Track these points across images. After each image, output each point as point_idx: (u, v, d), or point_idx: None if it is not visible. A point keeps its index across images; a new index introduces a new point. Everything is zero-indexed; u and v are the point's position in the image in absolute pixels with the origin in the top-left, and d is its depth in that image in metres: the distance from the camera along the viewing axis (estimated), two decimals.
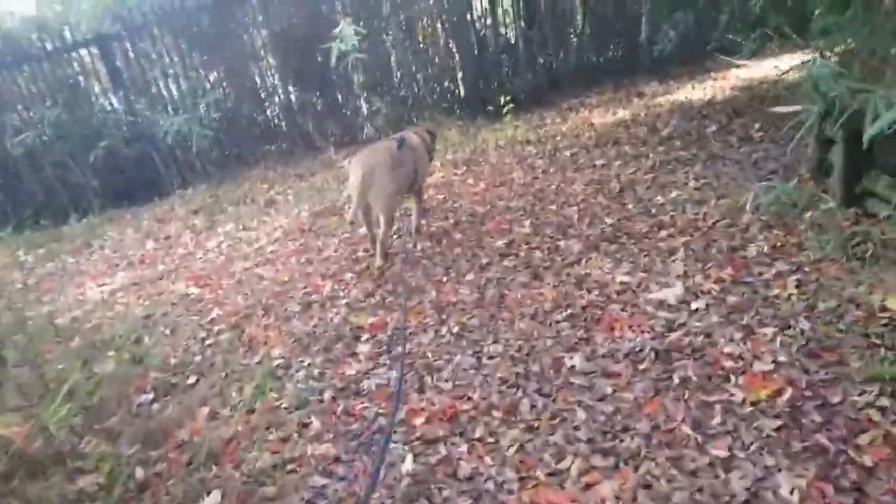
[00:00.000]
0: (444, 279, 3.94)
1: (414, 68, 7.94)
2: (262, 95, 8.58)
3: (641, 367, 2.63)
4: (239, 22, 8.10)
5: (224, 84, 8.50)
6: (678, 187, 4.56)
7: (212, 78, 8.49)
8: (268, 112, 8.65)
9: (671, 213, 4.14)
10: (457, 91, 8.04)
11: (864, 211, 3.38)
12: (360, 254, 4.68)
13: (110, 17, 7.94)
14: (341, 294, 4.09)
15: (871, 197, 3.37)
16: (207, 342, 3.89)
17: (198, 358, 3.70)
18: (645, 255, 3.64)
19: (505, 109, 7.27)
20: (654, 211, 4.26)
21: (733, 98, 6.86)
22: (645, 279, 3.35)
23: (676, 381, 2.49)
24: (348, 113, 8.25)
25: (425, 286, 3.90)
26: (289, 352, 3.49)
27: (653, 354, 2.67)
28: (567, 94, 8.37)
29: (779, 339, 2.57)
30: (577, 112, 7.57)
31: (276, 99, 8.62)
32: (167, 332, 4.17)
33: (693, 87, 7.77)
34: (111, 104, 8.09)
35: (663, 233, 3.87)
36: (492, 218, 4.77)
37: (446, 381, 2.86)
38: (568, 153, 6.01)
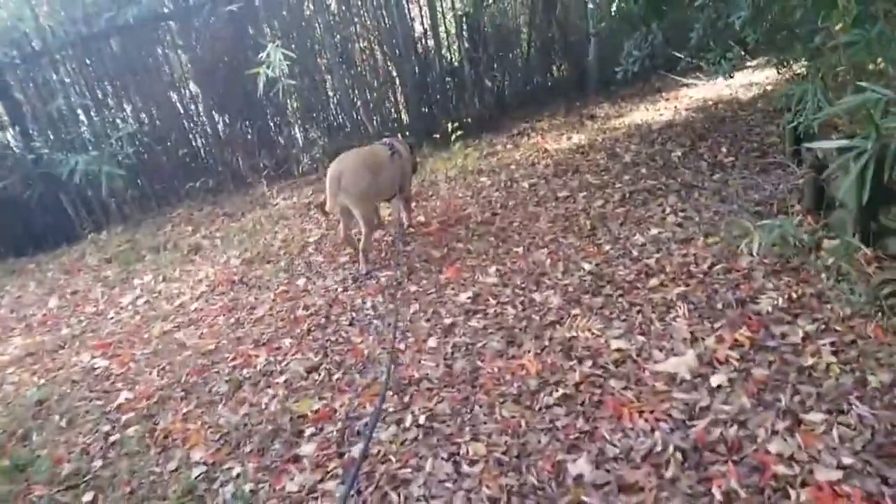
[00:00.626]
0: (403, 346, 3.32)
1: (352, 94, 7.33)
2: (185, 127, 7.78)
3: (667, 474, 2.06)
4: (155, 47, 7.32)
5: (141, 116, 7.67)
6: (656, 223, 4.09)
7: (128, 109, 7.64)
8: (192, 145, 7.85)
9: (656, 256, 3.64)
10: (400, 118, 7.46)
11: (885, 252, 2.95)
12: (301, 311, 4.01)
13: (5, 43, 7.03)
14: (278, 368, 3.41)
15: (892, 236, 2.94)
16: (112, 438, 3.14)
17: (97, 463, 2.95)
18: (637, 311, 3.11)
19: (453, 136, 6.73)
20: (635, 253, 3.76)
21: (692, 120, 6.52)
22: (644, 344, 2.82)
23: (719, 497, 1.93)
24: (282, 143, 7.56)
25: (380, 356, 3.27)
26: (213, 454, 2.79)
27: (679, 455, 2.11)
28: (516, 118, 7.92)
29: (835, 430, 2.05)
30: (529, 137, 7.11)
31: (201, 131, 7.83)
32: (63, 423, 3.40)
33: (647, 109, 7.44)
34: (7, 141, 7.15)
35: (653, 281, 3.36)
36: (450, 264, 4.18)
37: (417, 500, 2.22)
38: (526, 184, 5.50)
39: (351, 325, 3.70)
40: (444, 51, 7.32)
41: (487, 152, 6.80)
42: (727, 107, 6.89)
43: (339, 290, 4.19)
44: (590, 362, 2.77)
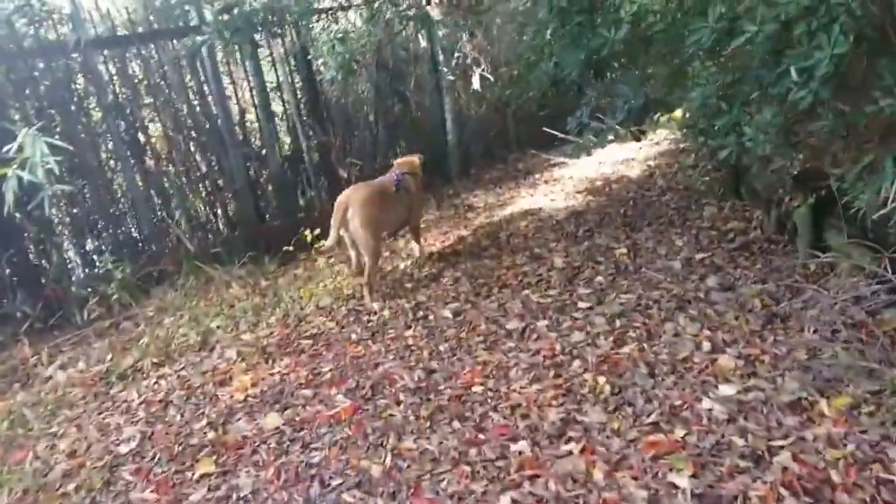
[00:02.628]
0: None
1: (154, 200, 5.25)
2: None
3: None
4: None
5: None
6: (721, 401, 2.70)
7: None
8: None
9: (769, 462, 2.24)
10: (228, 227, 5.50)
11: None
12: None
13: None
14: None
15: None
16: None
17: None
18: None
19: (314, 246, 4.97)
20: (720, 438, 2.33)
21: (598, 205, 5.49)
22: None
23: None
24: (49, 274, 5.15)
25: None
26: None
27: None
28: None
29: None
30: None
31: None
32: None
33: (530, 195, 6.31)
34: None
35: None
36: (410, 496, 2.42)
37: None
38: (446, 312, 3.91)
39: None
40: (282, 136, 5.56)
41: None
42: (624, 187, 5.99)
43: None
44: None
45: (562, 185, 6.48)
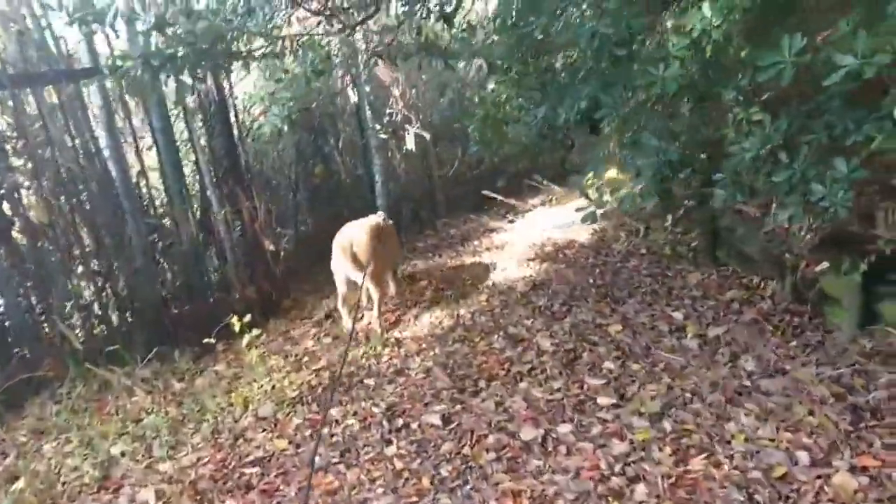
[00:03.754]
0: None
1: (22, 291, 4.07)
2: None
3: None
4: None
5: None
6: (809, 489, 2.11)
7: None
8: None
9: None
10: (125, 316, 4.38)
11: None
12: None
13: None
14: None
15: None
16: None
17: None
18: None
19: (245, 337, 4.01)
20: None
21: (559, 274, 4.91)
22: None
23: None
24: None
25: None
26: None
27: None
28: (305, 291, 5.45)
29: None
30: (341, 323, 4.73)
31: None
32: None
33: (490, 266, 5.67)
34: None
35: None
36: None
37: None
38: (431, 418, 3.12)
39: None
40: (190, 206, 4.56)
41: (297, 356, 4.20)
42: (578, 253, 5.52)
43: None
44: None
45: (508, 253, 5.90)
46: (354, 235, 4.32)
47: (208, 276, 4.60)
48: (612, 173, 7.82)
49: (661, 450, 2.55)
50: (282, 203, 5.50)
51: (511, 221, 7.14)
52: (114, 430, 3.43)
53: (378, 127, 5.82)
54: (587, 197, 3.34)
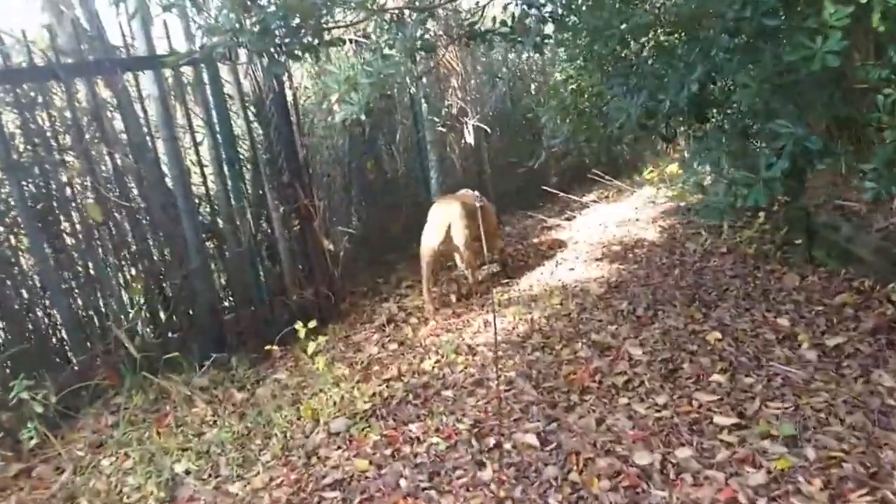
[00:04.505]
0: None
1: (73, 295, 3.84)
2: None
3: None
4: None
5: None
6: None
7: None
8: None
9: None
10: (181, 321, 4.14)
11: None
12: None
13: None
14: None
15: None
16: None
17: None
18: None
19: (311, 345, 3.76)
20: None
21: (626, 274, 4.57)
22: None
23: None
24: None
25: None
26: None
27: None
28: (362, 294, 5.19)
29: None
30: (405, 325, 4.46)
31: None
32: None
33: (541, 264, 5.35)
34: None
35: None
36: None
37: None
38: (527, 437, 2.82)
39: None
40: (251, 205, 4.29)
41: (364, 365, 3.92)
42: (650, 252, 5.17)
43: None
44: None
45: (573, 252, 5.57)
46: (450, 211, 4.54)
47: (265, 278, 4.34)
48: (673, 167, 7.49)
49: (809, 482, 2.21)
50: (335, 200, 5.22)
51: (568, 219, 6.81)
52: (175, 444, 3.18)
53: (436, 119, 5.53)
54: (696, 189, 2.99)
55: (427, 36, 2.96)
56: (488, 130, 5.85)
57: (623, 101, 3.18)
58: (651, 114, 3.05)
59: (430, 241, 4.53)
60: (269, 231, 4.34)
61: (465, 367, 3.64)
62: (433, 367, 3.69)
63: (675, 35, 3.21)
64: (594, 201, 7.48)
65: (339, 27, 2.91)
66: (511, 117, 7.35)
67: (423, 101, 5.67)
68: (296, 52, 2.61)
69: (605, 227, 6.16)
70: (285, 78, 4.21)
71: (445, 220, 4.50)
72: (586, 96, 4.29)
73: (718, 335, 3.43)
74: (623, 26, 2.93)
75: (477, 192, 4.89)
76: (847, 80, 2.45)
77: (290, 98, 4.31)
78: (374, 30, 2.90)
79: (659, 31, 3.26)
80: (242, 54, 3.86)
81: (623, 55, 3.74)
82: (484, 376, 3.48)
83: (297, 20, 2.43)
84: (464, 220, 4.50)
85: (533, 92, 7.33)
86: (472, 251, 4.61)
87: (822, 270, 4.00)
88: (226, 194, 4.15)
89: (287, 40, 2.51)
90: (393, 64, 2.79)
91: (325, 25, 2.66)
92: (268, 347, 3.94)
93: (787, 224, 4.37)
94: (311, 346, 3.75)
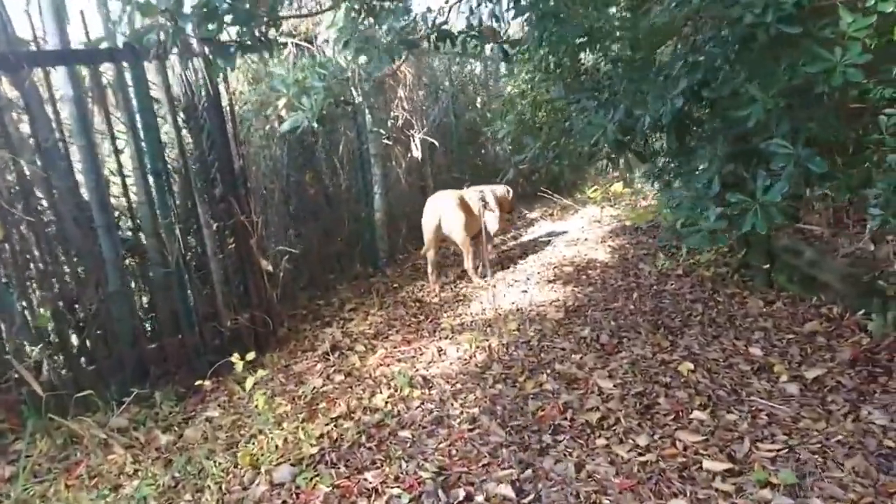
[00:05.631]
0: None
1: None
2: None
3: None
4: None
5: None
6: None
7: None
8: None
9: None
10: (95, 352, 3.63)
11: None
12: None
13: None
14: None
15: None
16: None
17: None
18: None
19: (248, 381, 3.34)
20: None
21: (583, 297, 4.39)
22: None
23: None
24: None
25: None
26: None
27: None
28: (298, 318, 4.78)
29: None
30: (350, 354, 4.10)
31: None
32: None
33: (492, 285, 5.11)
34: None
35: None
36: None
37: None
38: (499, 487, 2.53)
39: None
40: (179, 221, 3.83)
41: (307, 400, 3.54)
42: (605, 274, 5.03)
43: None
44: None
45: (523, 272, 5.37)
46: (441, 205, 5.03)
47: (194, 301, 3.88)
48: (617, 187, 7.44)
49: None
50: (273, 216, 4.80)
51: (514, 237, 6.62)
52: (88, 500, 2.72)
53: (382, 132, 5.21)
54: (681, 213, 2.78)
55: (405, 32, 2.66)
56: (436, 144, 5.57)
57: (595, 116, 2.97)
58: (626, 130, 2.85)
59: (425, 233, 5.06)
60: (199, 249, 3.89)
61: (422, 403, 3.32)
62: (386, 403, 3.35)
63: (653, 46, 3.02)
64: (539, 218, 7.34)
65: (297, 17, 2.56)
66: (454, 131, 7.12)
67: (366, 111, 5.34)
68: (248, 43, 2.24)
69: (553, 247, 5.99)
70: (220, 79, 3.80)
71: (436, 214, 4.97)
72: (543, 110, 4.09)
73: (690, 366, 3.26)
74: (582, 39, 2.72)
75: (506, 187, 5.52)
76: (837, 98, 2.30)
77: (225, 103, 3.89)
78: (334, 24, 2.57)
79: (625, 42, 3.06)
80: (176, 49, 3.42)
81: (585, 68, 3.56)
82: (444, 413, 3.18)
83: (248, 5, 2.07)
84: (456, 213, 4.96)
85: (478, 105, 7.11)
86: (468, 241, 5.13)
87: (784, 295, 3.93)
88: (150, 208, 3.69)
89: (239, 28, 2.15)
90: (343, 69, 2.48)
91: (280, 15, 2.31)
92: (199, 382, 3.50)
93: (747, 247, 4.28)
94: (250, 380, 3.34)
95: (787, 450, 2.47)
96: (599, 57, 3.35)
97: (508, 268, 5.57)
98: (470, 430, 2.99)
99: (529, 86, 4.23)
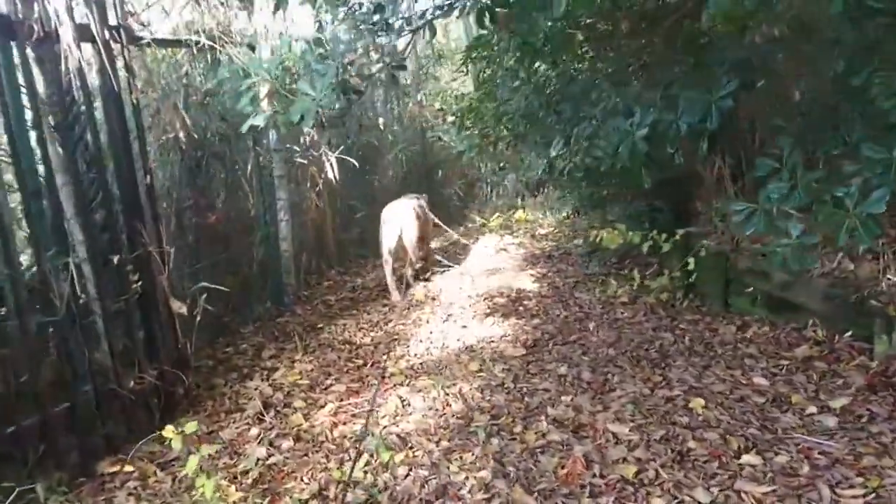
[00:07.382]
0: None
1: None
2: None
3: None
4: None
5: None
6: None
7: None
8: None
9: None
10: None
11: None
12: None
13: None
14: None
15: None
16: None
17: None
18: None
19: (190, 462, 2.52)
20: None
21: (531, 331, 4.07)
22: None
23: None
24: None
25: None
26: None
27: None
28: (213, 369, 3.92)
29: None
30: (291, 413, 3.38)
31: None
32: None
33: (425, 321, 4.60)
34: None
35: None
36: None
37: None
38: None
39: None
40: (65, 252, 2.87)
41: (254, 480, 2.78)
42: (542, 304, 4.75)
43: None
44: None
45: (453, 305, 4.90)
46: (402, 215, 5.09)
47: (85, 358, 2.95)
48: (520, 214, 7.25)
49: None
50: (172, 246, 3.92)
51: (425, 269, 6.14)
52: None
53: (297, 148, 4.52)
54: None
55: None
56: (356, 164, 4.98)
57: (615, 121, 2.64)
58: (662, 138, 2.54)
59: (388, 243, 5.04)
60: (96, 291, 2.98)
61: (411, 469, 2.72)
62: (366, 473, 2.70)
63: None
64: (440, 249, 6.93)
65: None
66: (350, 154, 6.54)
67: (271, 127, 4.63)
68: None
69: (470, 278, 5.59)
70: (124, 73, 2.98)
71: (398, 225, 5.03)
72: (504, 121, 3.71)
73: (702, 401, 2.98)
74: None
75: (422, 198, 5.61)
76: None
77: (127, 103, 3.05)
78: None
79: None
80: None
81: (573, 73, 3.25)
82: (443, 480, 2.61)
83: None
84: (414, 223, 5.06)
85: (381, 127, 6.58)
86: (417, 249, 5.26)
87: (751, 320, 3.82)
88: (34, 238, 2.75)
89: None
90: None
91: None
92: (108, 469, 2.62)
93: (697, 271, 4.16)
94: (193, 463, 2.52)
95: (872, 493, 2.22)
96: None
97: (435, 300, 5.08)
98: (488, 501, 2.45)
99: (479, 96, 3.83)
